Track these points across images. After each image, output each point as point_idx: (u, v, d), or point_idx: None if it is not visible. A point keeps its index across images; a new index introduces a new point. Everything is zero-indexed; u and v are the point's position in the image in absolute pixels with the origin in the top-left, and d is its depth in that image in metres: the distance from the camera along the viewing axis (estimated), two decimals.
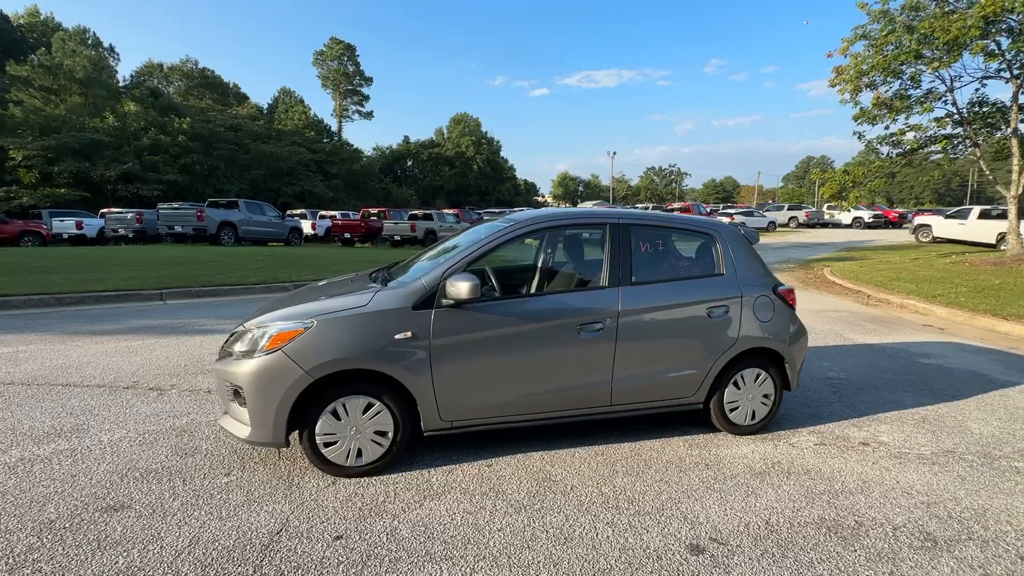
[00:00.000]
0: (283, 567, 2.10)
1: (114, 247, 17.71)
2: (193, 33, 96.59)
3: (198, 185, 32.97)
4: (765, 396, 3.47)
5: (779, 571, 2.12)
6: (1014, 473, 3.02)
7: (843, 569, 2.15)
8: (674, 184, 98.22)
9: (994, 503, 2.69)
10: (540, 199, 78.13)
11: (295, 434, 2.83)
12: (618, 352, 3.10)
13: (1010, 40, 10.46)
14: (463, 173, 59.95)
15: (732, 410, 3.42)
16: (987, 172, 11.89)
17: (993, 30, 9.93)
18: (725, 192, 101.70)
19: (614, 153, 79.91)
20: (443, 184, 58.00)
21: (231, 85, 53.14)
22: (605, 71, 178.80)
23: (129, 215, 19.93)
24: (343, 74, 56.66)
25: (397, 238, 21.33)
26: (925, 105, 11.42)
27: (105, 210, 21.22)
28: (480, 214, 31.31)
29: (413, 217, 22.33)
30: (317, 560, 2.14)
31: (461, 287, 2.72)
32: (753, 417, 3.46)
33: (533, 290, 3.42)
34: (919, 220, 22.28)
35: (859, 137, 12.72)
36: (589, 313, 3.06)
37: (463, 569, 2.11)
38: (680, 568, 2.13)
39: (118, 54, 42.01)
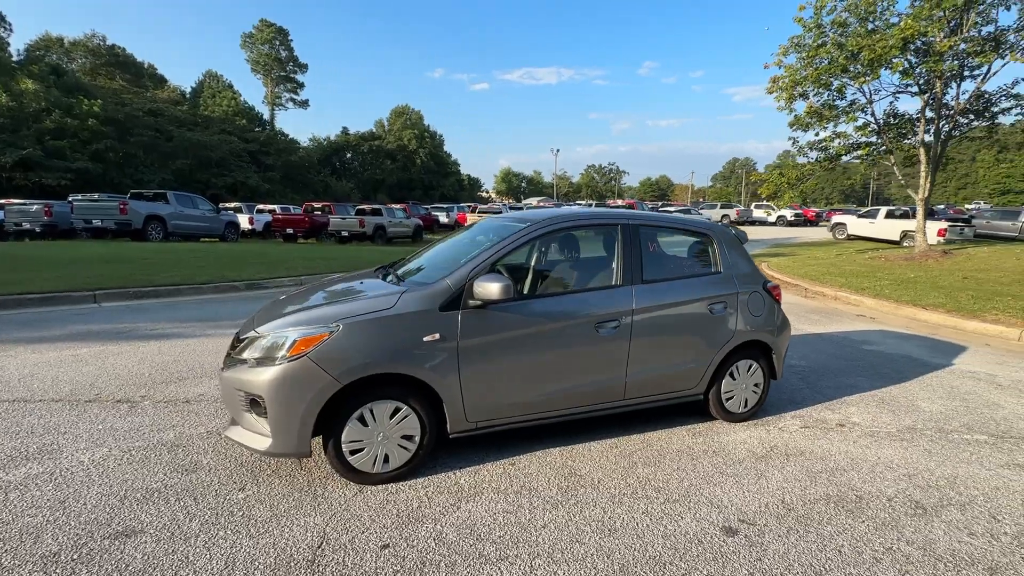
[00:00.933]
0: None
1: (18, 243, 15.73)
2: (96, 4, 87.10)
3: (113, 174, 29.94)
4: (756, 385, 3.73)
5: (807, 546, 2.32)
6: (967, 444, 3.46)
7: (859, 538, 2.38)
8: (613, 182, 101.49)
9: (960, 471, 3.07)
10: (484, 194, 77.93)
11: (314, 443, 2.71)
12: (632, 348, 3.22)
13: (918, 59, 11.77)
14: (405, 167, 58.59)
15: (728, 399, 3.66)
16: (900, 178, 13.34)
17: (908, 49, 11.12)
18: (660, 190, 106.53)
19: (557, 151, 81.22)
20: (385, 178, 56.37)
21: (146, 65, 48.60)
22: (546, 68, 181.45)
23: (35, 207, 17.71)
24: (275, 59, 53.48)
25: (344, 234, 20.53)
26: (850, 115, 12.63)
27: (3, 201, 18.79)
28: (428, 209, 30.82)
29: (361, 212, 21.55)
30: (371, 571, 2.08)
31: (492, 288, 2.71)
32: (746, 405, 3.72)
33: (545, 290, 3.46)
34: (836, 219, 24.52)
35: (793, 142, 13.86)
36: (606, 311, 3.15)
37: (522, 568, 2.13)
38: (722, 549, 2.28)
39: (9, 24, 37.01)
